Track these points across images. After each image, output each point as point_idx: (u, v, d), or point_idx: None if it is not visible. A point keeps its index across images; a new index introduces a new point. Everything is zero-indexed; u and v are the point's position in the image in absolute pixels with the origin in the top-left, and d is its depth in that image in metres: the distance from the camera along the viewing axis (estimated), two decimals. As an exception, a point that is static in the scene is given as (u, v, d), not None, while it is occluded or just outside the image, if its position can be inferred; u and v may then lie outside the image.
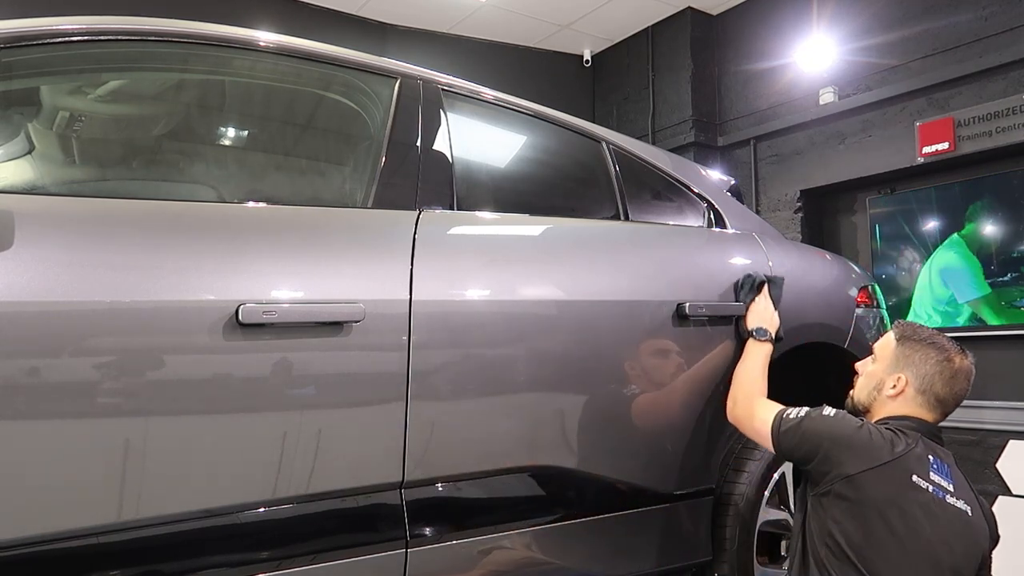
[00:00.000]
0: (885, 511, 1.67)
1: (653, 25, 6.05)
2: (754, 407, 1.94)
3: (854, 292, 2.63)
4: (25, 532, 1.22)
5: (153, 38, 1.60)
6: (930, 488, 1.70)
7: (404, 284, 1.60)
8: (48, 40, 1.47)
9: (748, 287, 2.17)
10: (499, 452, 1.72)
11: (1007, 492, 3.42)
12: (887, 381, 1.86)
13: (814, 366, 2.60)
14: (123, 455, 1.29)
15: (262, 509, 1.42)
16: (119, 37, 1.57)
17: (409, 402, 1.56)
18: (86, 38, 1.51)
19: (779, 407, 1.88)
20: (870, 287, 2.76)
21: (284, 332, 1.44)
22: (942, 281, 4.50)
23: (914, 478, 1.70)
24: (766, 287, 2.17)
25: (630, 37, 6.25)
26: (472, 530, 1.68)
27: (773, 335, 2.10)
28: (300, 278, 1.51)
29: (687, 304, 2.02)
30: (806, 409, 1.82)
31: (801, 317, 2.36)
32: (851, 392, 1.98)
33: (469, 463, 1.67)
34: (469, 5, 5.58)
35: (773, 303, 2.16)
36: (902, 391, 1.84)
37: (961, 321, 4.46)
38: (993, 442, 4.05)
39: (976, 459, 4.22)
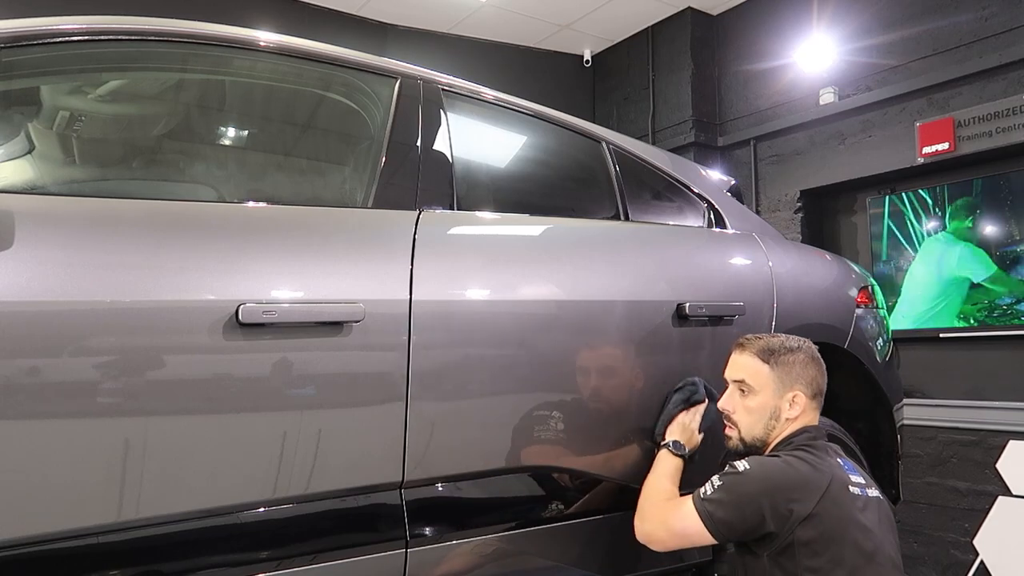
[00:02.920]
0: (848, 533, 1.62)
1: (653, 25, 6.05)
2: (664, 511, 1.74)
3: (854, 292, 2.63)
4: (25, 532, 1.22)
5: (153, 38, 1.60)
6: (858, 491, 1.67)
7: (404, 284, 1.60)
8: (48, 40, 1.47)
9: (684, 396, 1.95)
10: (499, 452, 1.71)
11: (1007, 492, 3.42)
12: (782, 405, 1.80)
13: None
14: (123, 455, 1.29)
15: (262, 509, 1.42)
16: (119, 37, 1.57)
17: (409, 402, 1.56)
18: (86, 38, 1.51)
19: (688, 496, 1.72)
20: (870, 287, 2.76)
21: (284, 332, 1.44)
22: (957, 264, 4.47)
23: (850, 488, 1.67)
24: (703, 406, 1.96)
25: (630, 37, 6.25)
26: (472, 530, 1.68)
27: (688, 453, 1.89)
28: (300, 278, 1.51)
29: (687, 304, 2.02)
30: (716, 477, 1.70)
31: (801, 317, 2.36)
32: (732, 437, 1.85)
33: (469, 463, 1.67)
34: (469, 5, 5.58)
35: (702, 423, 1.95)
36: (802, 406, 1.80)
37: (955, 305, 4.46)
38: (993, 442, 4.05)
39: (976, 459, 4.22)
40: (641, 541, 1.79)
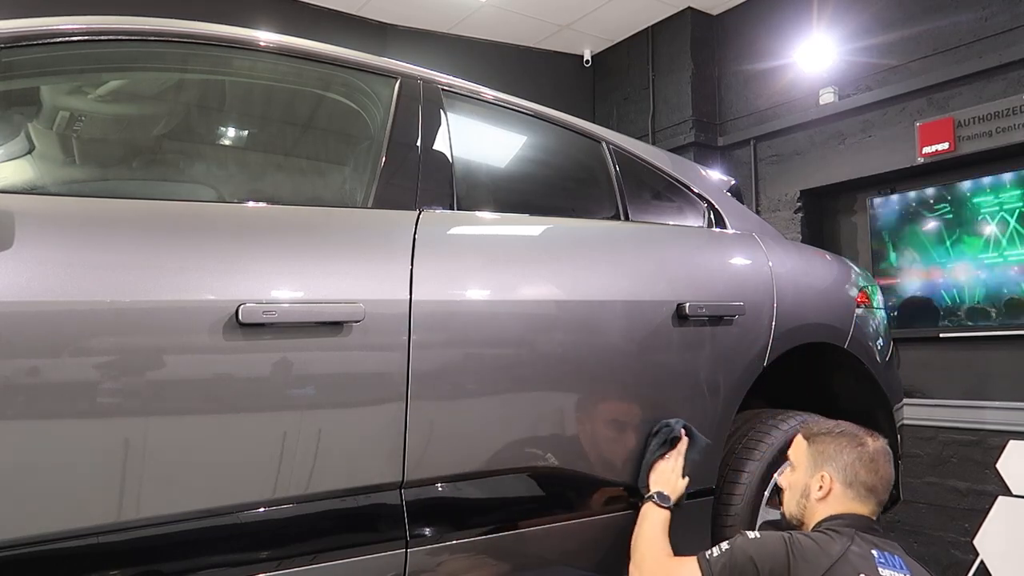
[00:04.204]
0: None
1: (653, 25, 6.05)
2: (668, 568, 1.75)
3: (854, 292, 2.63)
4: (25, 532, 1.22)
5: (153, 38, 1.60)
6: None
7: (404, 284, 1.60)
8: (48, 40, 1.47)
9: (662, 439, 1.92)
10: (499, 452, 1.71)
11: (1007, 492, 3.42)
12: (811, 484, 1.80)
13: (814, 367, 2.61)
14: (123, 455, 1.29)
15: (262, 509, 1.42)
16: (119, 37, 1.57)
17: (409, 402, 1.56)
18: (86, 38, 1.51)
19: (694, 556, 1.73)
20: (870, 287, 2.76)
21: (284, 332, 1.44)
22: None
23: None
24: (683, 444, 1.93)
25: (630, 37, 6.25)
26: (472, 530, 1.68)
27: (674, 501, 1.87)
28: (300, 278, 1.51)
29: (687, 304, 2.02)
30: (725, 542, 1.71)
31: (801, 317, 2.36)
32: (781, 511, 1.90)
33: (469, 463, 1.67)
34: (469, 5, 5.58)
35: (685, 465, 1.92)
36: (829, 490, 1.77)
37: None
38: (993, 442, 4.05)
39: (976, 459, 4.22)
40: None
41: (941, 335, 4.51)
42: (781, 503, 1.91)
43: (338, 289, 1.53)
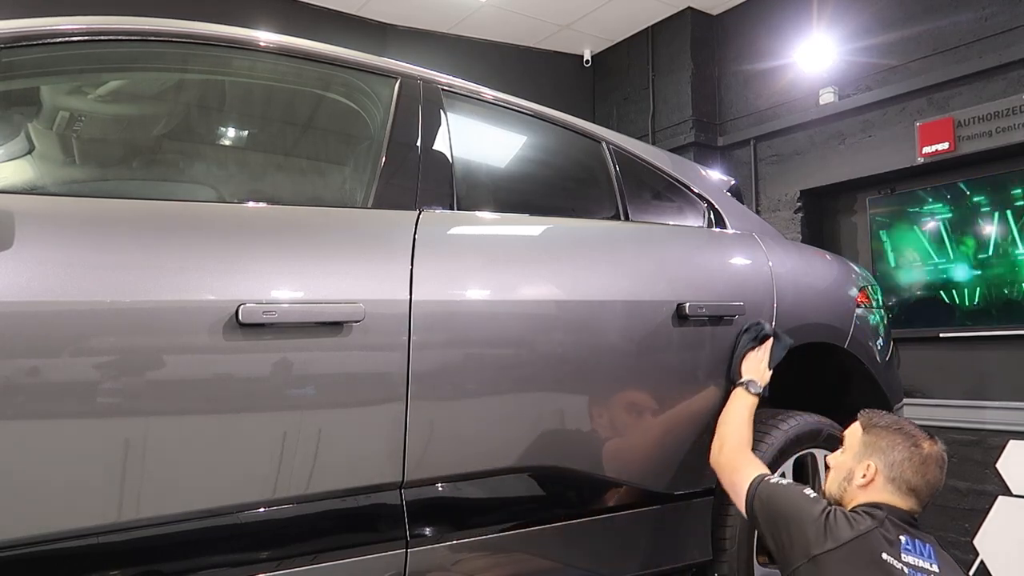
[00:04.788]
0: None
1: (653, 25, 6.04)
2: (740, 460, 1.92)
3: (854, 292, 2.63)
4: (25, 532, 1.22)
5: (153, 38, 1.60)
6: (905, 569, 1.61)
7: (404, 284, 1.60)
8: (48, 40, 1.47)
9: (752, 335, 2.14)
10: (499, 452, 1.71)
11: (1007, 492, 3.42)
12: (856, 470, 1.80)
13: (814, 367, 2.61)
14: (123, 455, 1.29)
15: (262, 509, 1.42)
16: (119, 37, 1.57)
17: (409, 402, 1.56)
18: (86, 38, 1.51)
19: (764, 469, 1.86)
20: (870, 287, 2.76)
21: (284, 332, 1.44)
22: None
23: (884, 556, 1.62)
24: (770, 342, 2.15)
25: (630, 37, 6.25)
26: (472, 530, 1.68)
27: (761, 389, 2.07)
28: (300, 278, 1.51)
29: (687, 304, 2.02)
30: (787, 481, 1.77)
31: (801, 317, 2.36)
32: (823, 488, 1.91)
33: (469, 463, 1.67)
34: (469, 5, 5.57)
35: (770, 361, 2.13)
36: (872, 480, 1.77)
37: None
38: (993, 442, 4.05)
39: (976, 459, 4.22)
40: (710, 464, 2.00)
41: (941, 335, 4.51)
42: (825, 480, 1.93)
43: (338, 289, 1.53)
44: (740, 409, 2.03)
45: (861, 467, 1.80)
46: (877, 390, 2.63)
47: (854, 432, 1.87)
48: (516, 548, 1.75)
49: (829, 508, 1.72)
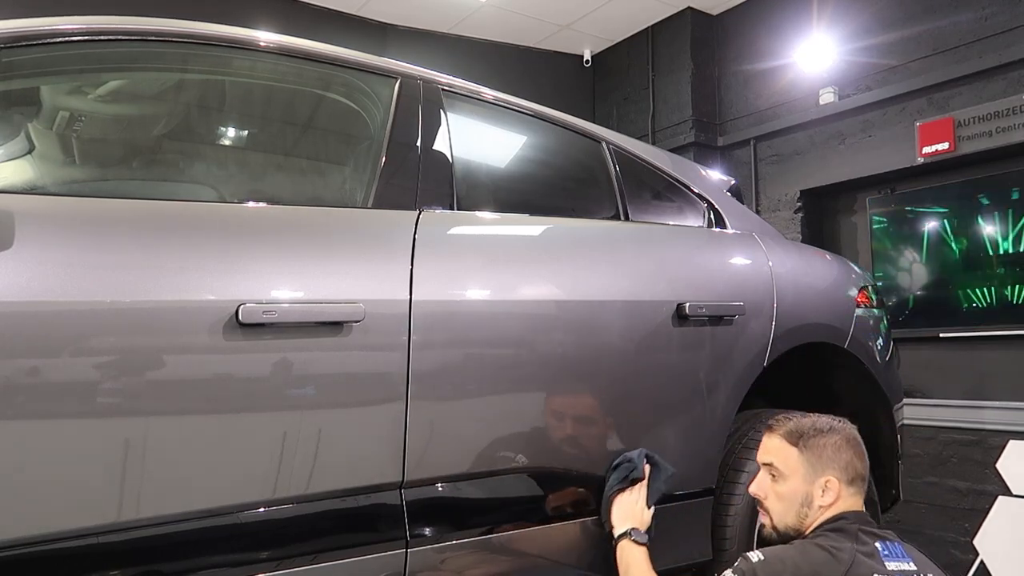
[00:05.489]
0: None
1: (653, 25, 6.04)
2: None
3: (854, 292, 2.63)
4: (25, 532, 1.22)
5: (153, 38, 1.60)
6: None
7: (404, 284, 1.60)
8: (48, 40, 1.47)
9: (622, 475, 1.83)
10: (499, 452, 1.71)
11: (1007, 492, 3.41)
12: (814, 492, 1.69)
13: (814, 367, 2.61)
14: (123, 455, 1.29)
15: (262, 509, 1.42)
16: (119, 37, 1.57)
17: (409, 402, 1.56)
18: (86, 38, 1.51)
19: (728, 569, 1.64)
20: (870, 287, 2.76)
21: (284, 332, 1.44)
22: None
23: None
24: (644, 482, 1.85)
25: (630, 37, 6.25)
26: (472, 530, 1.68)
27: (646, 536, 1.79)
28: (300, 278, 1.51)
29: (687, 304, 2.02)
30: (731, 570, 1.61)
31: (801, 317, 2.36)
32: (766, 525, 1.78)
33: (469, 463, 1.67)
34: (469, 5, 5.58)
35: (649, 495, 1.84)
36: (837, 492, 1.68)
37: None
38: (993, 442, 4.05)
39: (976, 459, 4.22)
40: None
41: (941, 335, 4.51)
42: (764, 513, 1.78)
43: (338, 289, 1.53)
44: (640, 567, 1.75)
45: (818, 486, 1.69)
46: (877, 390, 2.63)
47: (787, 455, 1.74)
48: (516, 548, 1.75)
49: (796, 551, 1.59)
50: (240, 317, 1.38)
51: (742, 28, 5.73)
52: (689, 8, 5.78)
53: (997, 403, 4.22)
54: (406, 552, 1.57)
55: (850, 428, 1.77)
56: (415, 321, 1.58)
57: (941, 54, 4.55)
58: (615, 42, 6.36)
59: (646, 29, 6.11)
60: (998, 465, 3.51)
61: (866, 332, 2.59)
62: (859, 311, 2.58)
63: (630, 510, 1.82)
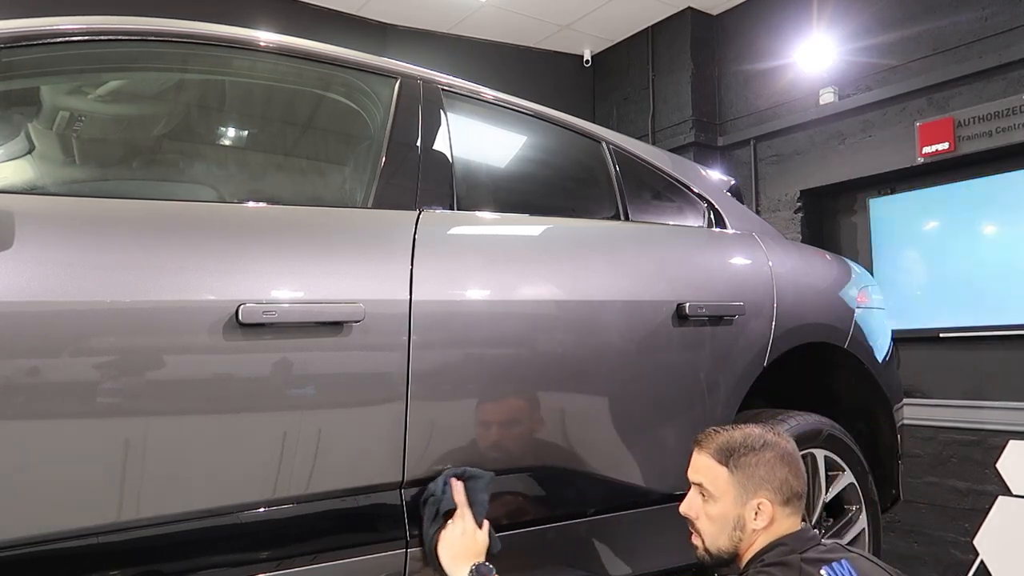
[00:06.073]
0: None
1: (653, 25, 6.04)
2: None
3: (854, 292, 2.63)
4: (25, 532, 1.22)
5: (153, 38, 1.60)
6: None
7: (404, 284, 1.60)
8: (48, 40, 1.47)
9: (430, 516, 1.57)
10: (499, 452, 1.71)
11: (1007, 492, 3.42)
12: (746, 514, 1.57)
13: (814, 366, 2.61)
14: (123, 455, 1.29)
15: (262, 509, 1.42)
16: (119, 37, 1.57)
17: (409, 402, 1.56)
18: (86, 38, 1.51)
19: None
20: (870, 287, 2.76)
21: (284, 332, 1.44)
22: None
23: None
24: (462, 508, 1.58)
25: (630, 37, 6.25)
26: (472, 530, 1.68)
27: (487, 564, 1.54)
28: (300, 278, 1.51)
29: (687, 304, 2.02)
30: None
31: (801, 317, 2.36)
32: (698, 547, 1.65)
33: (469, 463, 1.66)
34: (469, 5, 5.58)
35: (475, 514, 1.58)
36: (771, 514, 1.56)
37: None
38: (993, 442, 4.05)
39: (976, 459, 4.22)
40: None
41: (941, 335, 4.51)
42: (695, 535, 1.65)
43: (338, 289, 1.53)
44: None
45: (750, 509, 1.57)
46: (877, 390, 2.63)
47: (716, 475, 1.60)
48: (516, 548, 1.75)
49: None
50: (240, 317, 1.38)
51: (742, 28, 5.73)
52: (689, 8, 5.78)
53: (997, 403, 4.22)
54: (406, 552, 1.57)
55: (785, 442, 1.65)
56: (415, 321, 1.58)
57: (941, 54, 4.55)
58: (615, 42, 6.36)
59: (646, 29, 6.11)
60: (998, 465, 3.52)
61: (866, 332, 2.59)
62: (859, 311, 2.58)
63: (460, 546, 1.55)
